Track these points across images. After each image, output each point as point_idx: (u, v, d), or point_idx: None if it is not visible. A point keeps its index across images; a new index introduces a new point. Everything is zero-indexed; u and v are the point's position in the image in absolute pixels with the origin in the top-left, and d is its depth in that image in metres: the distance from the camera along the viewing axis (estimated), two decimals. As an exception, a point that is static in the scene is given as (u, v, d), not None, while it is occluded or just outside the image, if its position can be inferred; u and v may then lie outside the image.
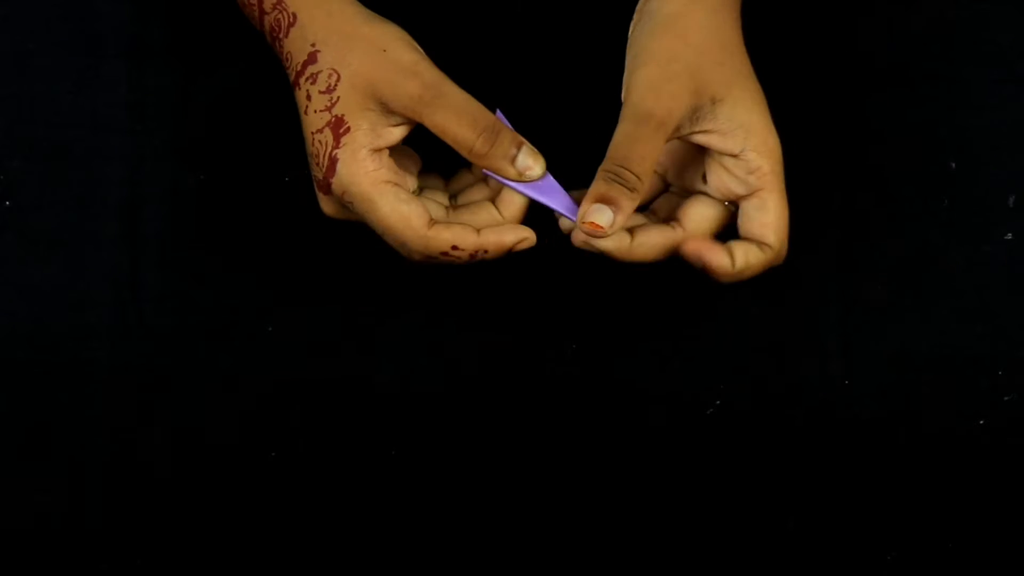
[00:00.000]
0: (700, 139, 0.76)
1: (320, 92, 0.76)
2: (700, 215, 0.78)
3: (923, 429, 0.87)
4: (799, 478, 0.87)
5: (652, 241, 0.77)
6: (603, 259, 0.83)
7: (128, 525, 0.87)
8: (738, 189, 0.77)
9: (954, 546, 0.87)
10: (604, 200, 0.74)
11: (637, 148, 0.74)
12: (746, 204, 0.77)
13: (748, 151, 0.76)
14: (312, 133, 0.76)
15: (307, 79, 0.76)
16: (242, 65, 0.87)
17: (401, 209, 0.75)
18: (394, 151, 0.77)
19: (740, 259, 0.76)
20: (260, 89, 0.87)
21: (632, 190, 0.74)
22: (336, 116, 0.75)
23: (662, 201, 0.81)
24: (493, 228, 0.76)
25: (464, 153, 0.76)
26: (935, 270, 0.87)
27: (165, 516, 0.87)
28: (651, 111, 0.74)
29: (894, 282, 0.87)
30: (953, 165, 0.87)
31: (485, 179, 0.80)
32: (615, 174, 0.74)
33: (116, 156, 0.87)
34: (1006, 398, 0.87)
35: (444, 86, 0.75)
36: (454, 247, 0.76)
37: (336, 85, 0.75)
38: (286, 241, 0.87)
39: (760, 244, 0.77)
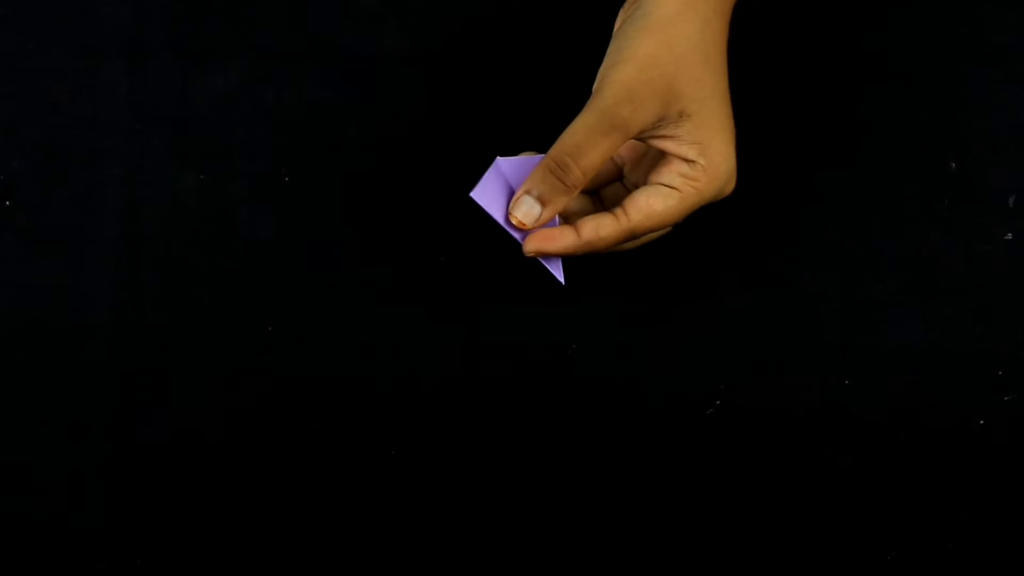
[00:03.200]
0: (657, 143, 0.76)
1: None
2: (645, 203, 0.77)
3: (923, 429, 0.87)
4: (799, 478, 0.87)
5: (605, 233, 0.76)
6: (603, 259, 0.83)
7: (128, 525, 0.87)
8: (666, 179, 0.76)
9: (954, 546, 0.87)
10: (536, 195, 0.74)
11: (594, 144, 0.74)
12: (653, 187, 0.76)
13: (697, 165, 0.75)
14: None
15: None
16: (242, 65, 0.87)
17: None
18: None
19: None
20: (260, 89, 0.87)
21: (569, 187, 0.74)
22: None
23: (611, 189, 0.81)
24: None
25: None
26: (935, 270, 0.87)
27: (165, 516, 0.87)
28: (620, 114, 0.74)
29: (894, 282, 0.87)
30: (953, 165, 0.87)
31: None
32: (559, 165, 0.74)
33: (116, 156, 0.87)
34: (1006, 398, 0.87)
35: None
36: None
37: None
38: (286, 241, 0.87)
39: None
